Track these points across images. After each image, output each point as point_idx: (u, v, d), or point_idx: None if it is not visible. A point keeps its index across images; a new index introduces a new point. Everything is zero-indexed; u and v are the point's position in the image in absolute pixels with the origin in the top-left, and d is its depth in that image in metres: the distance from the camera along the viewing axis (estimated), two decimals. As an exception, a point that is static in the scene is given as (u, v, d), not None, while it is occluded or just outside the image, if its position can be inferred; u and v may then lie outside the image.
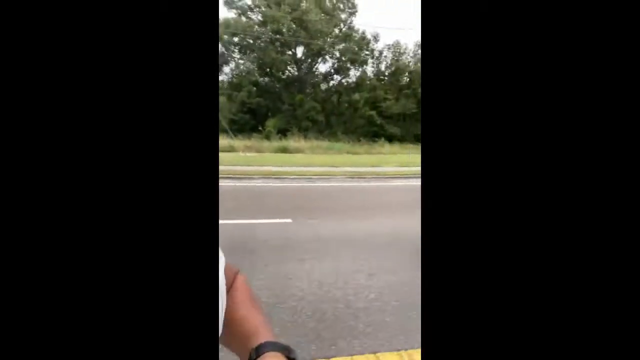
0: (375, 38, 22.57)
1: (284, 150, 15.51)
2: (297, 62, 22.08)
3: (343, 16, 22.05)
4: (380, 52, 23.27)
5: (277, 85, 21.34)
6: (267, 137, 17.59)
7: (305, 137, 17.99)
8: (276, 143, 16.36)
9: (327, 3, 21.71)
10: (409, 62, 23.00)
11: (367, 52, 22.54)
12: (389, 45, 22.99)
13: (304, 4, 20.27)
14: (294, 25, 20.66)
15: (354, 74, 23.05)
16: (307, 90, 21.11)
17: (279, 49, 21.03)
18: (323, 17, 20.35)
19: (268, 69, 21.10)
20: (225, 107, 18.60)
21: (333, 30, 21.45)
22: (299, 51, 21.67)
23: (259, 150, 15.18)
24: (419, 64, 22.57)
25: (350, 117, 21.15)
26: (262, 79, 21.30)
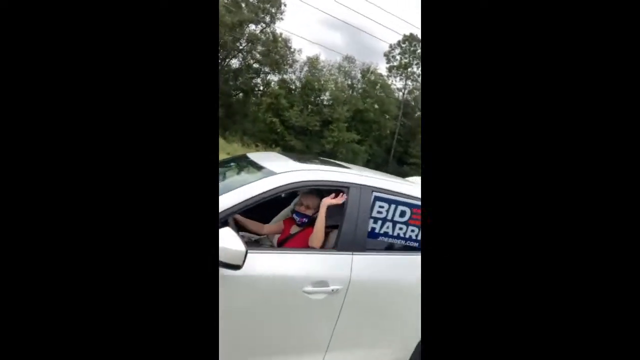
0: (298, 50, 22.62)
1: None
2: None
3: (267, 18, 21.64)
4: (296, 62, 23.34)
5: None
6: None
7: None
8: None
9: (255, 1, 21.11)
10: (323, 80, 23.46)
11: (286, 60, 22.42)
12: (310, 57, 23.09)
13: (220, -5, 19.20)
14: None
15: (266, 78, 22.64)
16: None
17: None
18: (234, 11, 19.57)
19: None
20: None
21: (249, 29, 20.90)
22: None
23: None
24: (331, 84, 23.26)
25: (253, 120, 20.59)
26: None
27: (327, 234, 1.79)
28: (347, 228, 1.67)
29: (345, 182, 1.72)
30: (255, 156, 1.96)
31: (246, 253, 1.30)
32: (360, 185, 1.73)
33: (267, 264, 1.49)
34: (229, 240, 1.29)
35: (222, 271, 1.30)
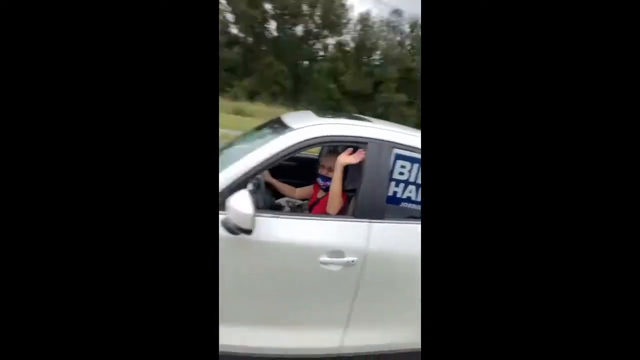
0: (350, 7, 22.66)
1: (239, 112, 13.61)
2: (276, 21, 21.51)
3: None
4: (350, 20, 23.40)
5: (256, 44, 20.78)
6: (235, 97, 16.78)
7: (273, 102, 17.50)
8: (236, 104, 14.91)
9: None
10: (374, 38, 24.00)
11: (341, 19, 22.81)
12: (361, 13, 23.23)
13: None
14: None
15: (325, 41, 23.19)
16: (283, 53, 20.99)
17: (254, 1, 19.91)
18: None
19: (248, 25, 20.06)
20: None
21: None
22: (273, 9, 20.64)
23: (214, 109, 13.95)
24: (384, 42, 23.66)
25: (316, 87, 21.29)
26: (242, 34, 20.35)
27: (350, 199, 1.63)
28: (365, 192, 1.48)
29: (363, 137, 1.51)
30: (287, 117, 1.80)
31: (253, 216, 1.24)
32: (379, 140, 1.51)
33: (282, 229, 1.39)
34: (239, 202, 1.25)
35: (236, 236, 1.28)
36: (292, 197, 2.07)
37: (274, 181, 2.09)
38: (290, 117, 1.76)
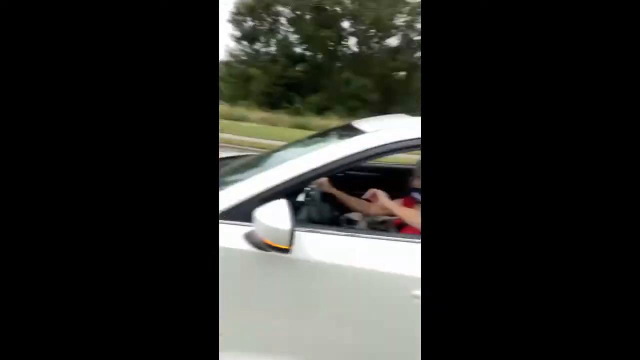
0: None
1: (301, 126, 13.57)
2: (358, 37, 19.40)
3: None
4: None
5: (329, 61, 19.07)
6: (298, 113, 15.58)
7: (350, 115, 15.29)
8: (298, 118, 14.53)
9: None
10: None
11: None
12: None
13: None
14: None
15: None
16: (366, 68, 18.25)
17: (329, 22, 18.84)
18: None
19: (314, 44, 19.00)
20: (262, 79, 17.39)
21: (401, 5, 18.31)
22: (360, 25, 19.03)
23: (273, 124, 13.29)
24: None
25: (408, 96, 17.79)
26: (309, 53, 19.27)
27: None
28: None
29: None
30: (361, 122, 1.45)
31: (292, 232, 0.98)
32: None
33: (353, 251, 1.06)
34: (270, 214, 0.99)
35: (280, 256, 1.01)
36: (366, 213, 1.59)
37: (335, 192, 1.63)
38: (366, 122, 1.45)
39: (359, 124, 1.40)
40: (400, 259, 1.06)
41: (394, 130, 1.17)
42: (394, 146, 1.14)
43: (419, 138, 1.10)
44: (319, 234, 1.08)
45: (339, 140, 1.25)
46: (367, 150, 1.12)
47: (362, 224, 1.55)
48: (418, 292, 0.98)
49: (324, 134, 1.70)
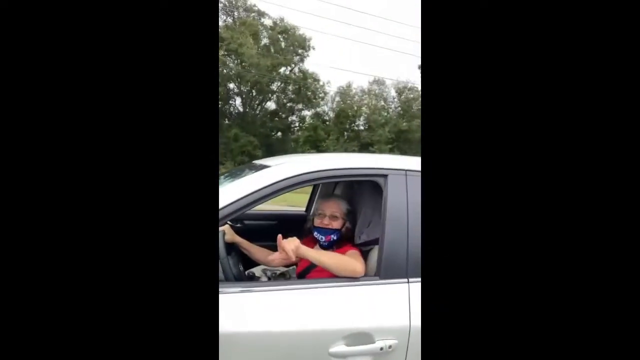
0: (327, 82, 23.23)
1: None
2: (242, 97, 22.21)
3: (296, 58, 22.65)
4: (327, 94, 23.79)
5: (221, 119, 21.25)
6: None
7: None
8: None
9: (282, 44, 22.33)
10: (356, 106, 23.56)
11: (317, 94, 23.06)
12: (340, 86, 23.54)
13: (240, 39, 19.93)
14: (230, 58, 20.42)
15: (301, 114, 23.44)
16: (251, 126, 21.10)
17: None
18: (259, 52, 20.48)
19: None
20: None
21: (281, 70, 21.95)
22: (243, 87, 21.80)
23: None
24: (364, 109, 23.20)
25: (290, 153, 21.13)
26: None
27: (366, 253, 1.27)
28: (392, 242, 1.08)
29: (382, 169, 1.16)
30: (262, 160, 1.45)
31: None
32: (405, 171, 1.16)
33: (264, 310, 0.97)
34: None
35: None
36: (269, 264, 1.41)
37: (240, 241, 1.49)
38: (267, 160, 1.39)
39: (261, 161, 1.37)
40: (312, 310, 0.97)
41: (298, 163, 1.13)
42: (304, 177, 1.08)
43: (327, 170, 1.10)
44: (229, 295, 0.95)
45: (246, 176, 1.15)
46: (277, 182, 1.04)
47: (264, 278, 1.42)
48: (336, 349, 0.94)
49: (229, 174, 1.47)
